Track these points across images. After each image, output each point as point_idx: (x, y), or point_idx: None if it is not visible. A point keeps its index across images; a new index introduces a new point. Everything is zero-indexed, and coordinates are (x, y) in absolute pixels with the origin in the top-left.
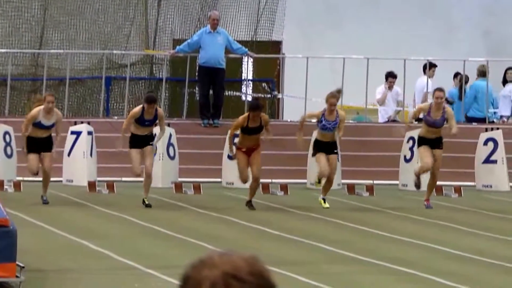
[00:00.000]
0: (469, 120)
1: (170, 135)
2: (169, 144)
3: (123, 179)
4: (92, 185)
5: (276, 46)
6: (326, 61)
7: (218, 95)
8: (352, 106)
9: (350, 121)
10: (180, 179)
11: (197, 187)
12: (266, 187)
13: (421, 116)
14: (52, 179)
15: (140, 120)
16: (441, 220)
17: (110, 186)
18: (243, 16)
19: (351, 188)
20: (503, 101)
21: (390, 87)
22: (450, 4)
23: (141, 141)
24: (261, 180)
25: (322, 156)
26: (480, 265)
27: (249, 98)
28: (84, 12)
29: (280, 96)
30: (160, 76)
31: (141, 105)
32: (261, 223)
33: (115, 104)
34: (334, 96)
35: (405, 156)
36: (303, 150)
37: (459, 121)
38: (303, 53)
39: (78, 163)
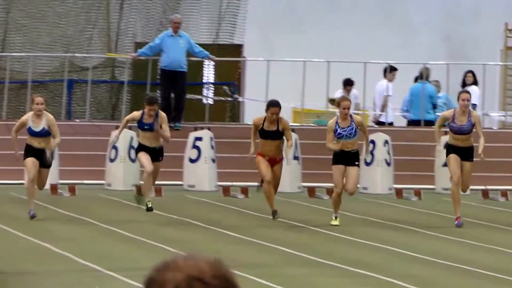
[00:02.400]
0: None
1: (132, 138)
2: (131, 147)
3: (85, 181)
4: (54, 187)
5: (237, 49)
6: (287, 64)
7: (180, 98)
8: (312, 110)
9: (311, 124)
10: (141, 182)
11: (158, 190)
12: (227, 190)
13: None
14: (14, 181)
15: (139, 125)
16: (401, 223)
17: (72, 189)
18: (205, 20)
19: (311, 192)
20: None
21: (348, 92)
22: (410, 8)
23: (149, 152)
24: (221, 183)
25: (337, 170)
26: (440, 268)
27: (210, 101)
28: (46, 15)
29: (241, 99)
30: (122, 79)
31: (141, 109)
32: (222, 226)
33: (77, 107)
34: (347, 99)
35: (365, 160)
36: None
37: (419, 125)
38: (264, 57)
39: None
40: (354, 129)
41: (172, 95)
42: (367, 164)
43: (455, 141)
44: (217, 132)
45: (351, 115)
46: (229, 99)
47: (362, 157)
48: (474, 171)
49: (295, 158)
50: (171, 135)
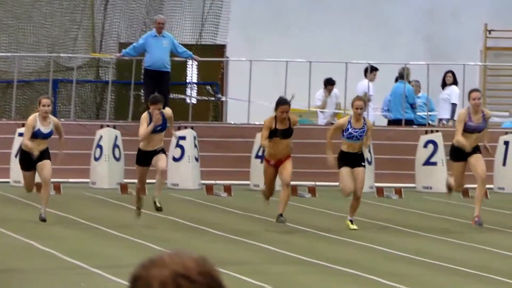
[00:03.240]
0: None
1: (116, 137)
2: (115, 145)
3: (70, 180)
4: (39, 186)
5: (220, 49)
6: (269, 64)
7: (163, 98)
8: (294, 109)
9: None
10: (125, 180)
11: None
12: (210, 189)
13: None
14: (0, 180)
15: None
16: (382, 221)
17: (57, 187)
18: (188, 20)
19: (293, 190)
20: (443, 104)
21: (329, 92)
22: (391, 9)
23: (149, 158)
24: (204, 182)
25: (345, 172)
26: (420, 265)
27: (194, 101)
28: (32, 16)
29: (224, 99)
30: (106, 79)
31: (146, 113)
32: (205, 224)
33: (62, 106)
34: (360, 99)
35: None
36: (334, 168)
37: (400, 125)
38: (246, 57)
39: None
40: (365, 132)
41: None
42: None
43: (467, 141)
44: (200, 131)
45: (364, 117)
46: (212, 98)
47: (364, 149)
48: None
49: None
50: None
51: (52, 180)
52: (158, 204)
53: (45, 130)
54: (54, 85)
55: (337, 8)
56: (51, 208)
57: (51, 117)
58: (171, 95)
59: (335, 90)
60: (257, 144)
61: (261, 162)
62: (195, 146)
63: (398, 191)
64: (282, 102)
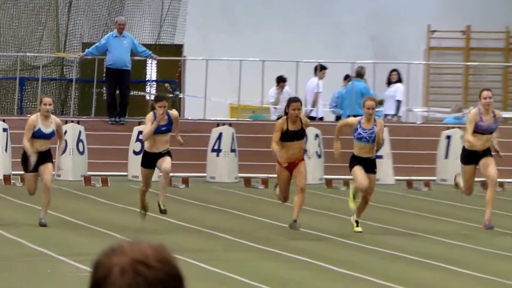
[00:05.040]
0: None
1: (80, 132)
2: (79, 140)
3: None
4: (7, 178)
5: (178, 49)
6: (224, 63)
7: (124, 95)
8: (248, 105)
9: (247, 119)
10: (89, 173)
11: (104, 180)
12: (169, 180)
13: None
14: None
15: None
16: (328, 211)
17: (23, 179)
18: (147, 21)
19: (247, 182)
20: (388, 100)
21: (281, 89)
22: (339, 10)
23: (154, 160)
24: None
25: (359, 169)
26: (366, 253)
27: (153, 98)
28: None
29: (181, 95)
30: (70, 77)
31: (151, 113)
32: (164, 214)
33: (28, 103)
34: (373, 99)
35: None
36: (339, 162)
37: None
38: (202, 56)
39: None
40: (374, 134)
41: (117, 91)
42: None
43: (477, 142)
44: None
45: (375, 119)
46: (171, 95)
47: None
48: (398, 163)
49: (232, 150)
50: (117, 128)
51: (19, 172)
52: (162, 207)
53: (46, 130)
54: (20, 83)
55: (289, 10)
56: (18, 199)
57: (53, 117)
58: (132, 92)
59: (287, 87)
60: (213, 138)
61: (217, 156)
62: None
63: (347, 182)
64: (293, 100)
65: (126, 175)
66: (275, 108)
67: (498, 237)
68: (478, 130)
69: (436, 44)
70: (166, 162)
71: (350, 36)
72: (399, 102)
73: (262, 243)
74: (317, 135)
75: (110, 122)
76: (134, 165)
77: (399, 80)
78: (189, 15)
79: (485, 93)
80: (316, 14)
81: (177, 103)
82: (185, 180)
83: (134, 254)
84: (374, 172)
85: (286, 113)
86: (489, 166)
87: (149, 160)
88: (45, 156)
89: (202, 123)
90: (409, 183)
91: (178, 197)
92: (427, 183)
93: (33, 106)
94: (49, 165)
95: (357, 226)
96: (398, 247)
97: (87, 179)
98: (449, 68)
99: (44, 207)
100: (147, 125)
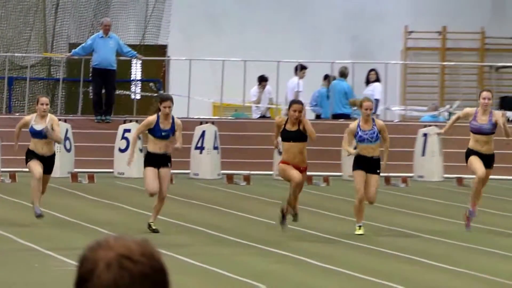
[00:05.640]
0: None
1: (67, 130)
2: (66, 138)
3: (24, 169)
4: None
5: (162, 49)
6: (207, 63)
7: (110, 94)
8: (230, 104)
9: (229, 117)
10: (75, 170)
11: (91, 177)
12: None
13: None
14: None
15: (155, 130)
16: (309, 207)
17: (13, 176)
18: (132, 23)
19: (230, 178)
20: None
21: (263, 88)
22: (319, 11)
23: (156, 160)
24: None
25: (358, 176)
26: (340, 245)
27: (138, 97)
28: None
29: None
30: (58, 76)
31: (155, 114)
32: (148, 209)
33: (16, 102)
34: (369, 100)
35: (279, 149)
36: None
37: (327, 118)
38: (186, 56)
39: None
40: (376, 133)
41: (103, 91)
42: (281, 153)
43: (476, 145)
44: None
45: (373, 119)
46: (155, 94)
47: (383, 162)
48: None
49: (215, 148)
50: (102, 127)
51: (9, 169)
52: (153, 227)
53: (39, 127)
54: (9, 82)
55: (270, 11)
56: (6, 195)
57: (50, 116)
58: (117, 92)
59: (268, 87)
60: (196, 136)
61: (200, 153)
62: (139, 138)
63: (326, 179)
64: (295, 101)
65: (112, 172)
66: (257, 106)
67: (498, 237)
68: (471, 130)
69: (413, 44)
70: (164, 185)
71: (329, 37)
72: (377, 100)
73: (245, 238)
74: None
75: (96, 121)
76: (120, 162)
77: (377, 80)
78: (172, 16)
79: (484, 94)
80: (296, 15)
81: None
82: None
83: (119, 249)
84: (377, 173)
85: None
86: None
87: (152, 160)
88: (47, 166)
89: (186, 121)
90: (387, 180)
91: None
92: (404, 180)
93: (21, 105)
94: (48, 176)
95: (359, 229)
96: (381, 243)
97: (74, 176)
98: (425, 67)
99: (36, 200)
100: (139, 129)
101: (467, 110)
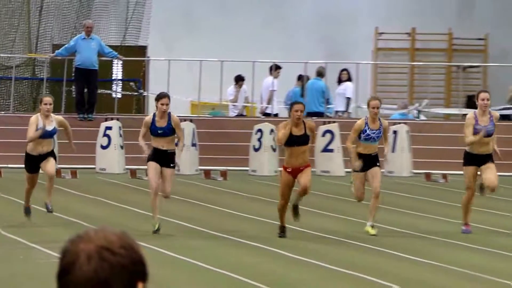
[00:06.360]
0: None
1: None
2: None
3: (9, 165)
4: None
5: (141, 50)
6: (185, 63)
7: (92, 93)
8: (208, 102)
9: (206, 115)
10: (59, 166)
11: (74, 173)
12: (133, 173)
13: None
14: None
15: (152, 130)
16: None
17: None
18: (113, 24)
19: (207, 174)
20: (338, 98)
21: (240, 87)
22: (293, 13)
23: (160, 156)
24: (129, 166)
25: (357, 179)
26: (314, 239)
27: (119, 96)
28: None
29: (145, 93)
30: (42, 76)
31: (152, 113)
32: (129, 203)
33: (2, 101)
34: (376, 98)
35: (254, 146)
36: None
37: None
38: (165, 57)
39: None
40: (381, 133)
41: (86, 90)
42: (256, 150)
43: (476, 146)
44: (125, 122)
45: (379, 118)
46: (135, 93)
47: (385, 153)
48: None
49: (193, 145)
50: (85, 124)
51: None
52: (157, 227)
53: (48, 128)
54: None
55: (245, 12)
56: None
57: (53, 115)
58: (99, 91)
59: (244, 86)
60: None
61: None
62: (120, 135)
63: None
64: (296, 102)
65: (94, 168)
66: (233, 105)
67: (496, 237)
68: (475, 133)
69: (383, 45)
70: (167, 184)
71: (303, 38)
72: (349, 99)
73: (221, 231)
74: (272, 130)
75: (79, 119)
76: (101, 158)
77: (349, 79)
78: (152, 18)
79: (482, 95)
80: (271, 17)
81: (141, 101)
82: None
83: (99, 241)
84: (377, 166)
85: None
86: (491, 174)
87: (156, 155)
88: (48, 155)
89: None
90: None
91: (143, 188)
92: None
93: (6, 103)
94: (51, 159)
95: (372, 228)
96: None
97: (58, 172)
98: (395, 67)
99: (48, 194)
100: (142, 131)
101: (470, 116)
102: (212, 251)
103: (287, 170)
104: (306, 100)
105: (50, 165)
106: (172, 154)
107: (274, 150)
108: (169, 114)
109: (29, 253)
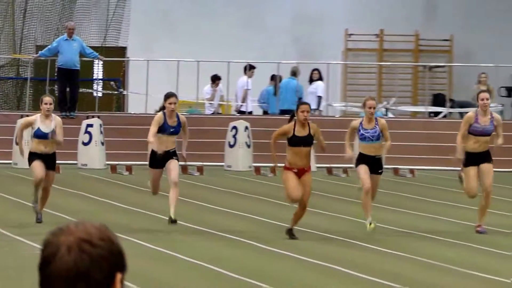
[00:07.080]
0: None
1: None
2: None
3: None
4: None
5: (121, 51)
6: (163, 63)
7: (74, 92)
8: (185, 101)
9: (184, 113)
10: None
11: (57, 168)
12: (114, 168)
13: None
14: None
15: (164, 128)
16: (259, 195)
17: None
18: (94, 26)
19: (184, 169)
20: (310, 96)
21: (216, 86)
22: (266, 14)
23: (163, 158)
24: (109, 162)
25: (363, 167)
26: (258, 223)
27: (100, 94)
28: None
29: (125, 92)
30: (25, 76)
31: (161, 112)
32: (110, 198)
33: None
34: (373, 98)
35: (229, 142)
36: (350, 163)
37: (274, 113)
38: (144, 57)
39: None
40: (378, 133)
41: (68, 89)
42: (231, 146)
43: (474, 145)
44: (105, 120)
45: (376, 118)
46: (115, 92)
47: (382, 154)
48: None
49: None
50: (67, 122)
51: None
52: (173, 217)
53: (46, 129)
54: None
55: (220, 14)
56: None
57: (54, 116)
58: (81, 90)
59: (220, 85)
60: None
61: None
62: (101, 132)
63: (273, 169)
64: (302, 102)
65: (76, 163)
66: (210, 103)
67: (496, 237)
68: (473, 132)
69: (352, 46)
70: (174, 171)
71: (276, 39)
72: (320, 97)
73: (200, 225)
74: (246, 127)
75: (61, 116)
76: (83, 154)
77: (320, 78)
78: (132, 20)
79: (482, 95)
80: (246, 19)
81: (121, 99)
82: (129, 168)
83: (79, 233)
84: (379, 173)
85: (292, 116)
86: (488, 174)
87: (157, 160)
88: (50, 162)
89: (144, 117)
90: (329, 170)
91: (123, 183)
92: (345, 170)
93: None
94: (52, 172)
95: (370, 224)
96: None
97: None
98: (364, 67)
99: (42, 204)
100: (152, 130)
101: (469, 115)
102: (193, 244)
103: (293, 170)
104: (279, 98)
105: (50, 178)
106: (174, 151)
107: (248, 146)
108: (177, 113)
109: (13, 244)
